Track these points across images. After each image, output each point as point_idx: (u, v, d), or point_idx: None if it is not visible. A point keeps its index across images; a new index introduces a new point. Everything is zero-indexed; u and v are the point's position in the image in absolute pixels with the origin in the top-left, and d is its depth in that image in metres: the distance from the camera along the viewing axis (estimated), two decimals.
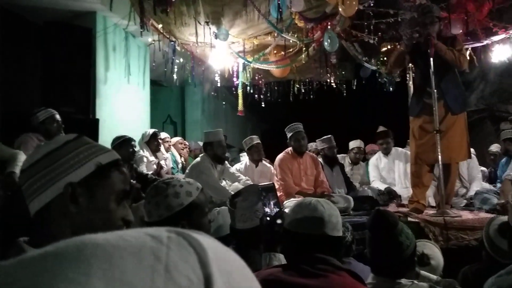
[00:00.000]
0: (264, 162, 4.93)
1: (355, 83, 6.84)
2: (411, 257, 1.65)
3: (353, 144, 5.48)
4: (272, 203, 1.64)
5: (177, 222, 1.40)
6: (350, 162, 5.44)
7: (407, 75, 6.03)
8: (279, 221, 1.65)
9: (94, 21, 4.81)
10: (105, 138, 4.34)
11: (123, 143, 4.09)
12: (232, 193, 3.78)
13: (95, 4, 4.67)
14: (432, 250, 2.20)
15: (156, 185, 1.49)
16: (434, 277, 2.01)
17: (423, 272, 1.99)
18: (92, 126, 4.25)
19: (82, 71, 4.46)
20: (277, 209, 1.63)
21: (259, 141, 4.77)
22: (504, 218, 2.22)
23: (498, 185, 4.57)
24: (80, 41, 4.47)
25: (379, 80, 6.58)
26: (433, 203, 4.18)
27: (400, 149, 5.06)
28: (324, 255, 1.35)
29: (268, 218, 1.76)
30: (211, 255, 0.29)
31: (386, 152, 5.02)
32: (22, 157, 2.97)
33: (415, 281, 1.61)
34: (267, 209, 1.61)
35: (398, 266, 1.62)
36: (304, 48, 5.32)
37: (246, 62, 5.62)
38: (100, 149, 0.95)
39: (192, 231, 0.31)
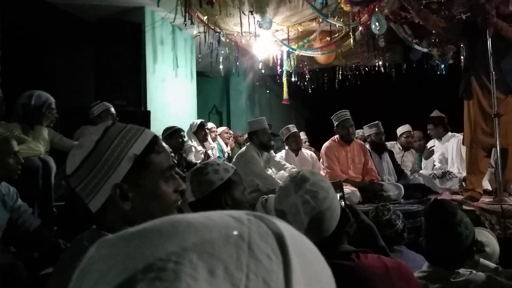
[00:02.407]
0: (303, 150, 4.92)
1: (405, 67, 6.57)
2: (470, 247, 1.59)
3: (402, 129, 5.29)
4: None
5: (220, 196, 1.50)
6: (400, 148, 5.26)
7: (461, 57, 5.71)
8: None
9: (142, 16, 4.97)
10: (156, 129, 4.51)
11: (173, 133, 4.24)
12: (279, 181, 3.83)
13: (143, 0, 4.84)
14: (487, 237, 2.11)
15: (196, 167, 1.60)
16: (493, 265, 1.93)
17: (482, 260, 1.92)
18: (144, 118, 4.42)
19: (132, 65, 4.64)
20: (342, 203, 1.56)
21: (296, 130, 4.76)
22: None
23: None
24: (130, 36, 4.64)
25: (431, 62, 6.29)
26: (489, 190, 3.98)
27: (454, 134, 4.84)
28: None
29: None
30: (288, 237, 0.32)
31: (439, 137, 4.83)
32: None
33: (474, 271, 1.56)
34: None
35: (456, 257, 1.57)
36: (350, 33, 5.18)
37: (290, 50, 5.58)
38: (131, 137, 0.92)
39: (268, 216, 0.34)
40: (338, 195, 1.52)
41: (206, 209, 0.34)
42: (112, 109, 3.65)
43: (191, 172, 1.61)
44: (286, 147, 4.87)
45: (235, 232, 0.31)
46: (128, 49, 4.63)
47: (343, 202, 1.60)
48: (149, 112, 4.60)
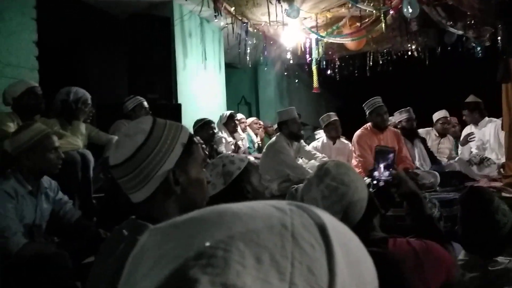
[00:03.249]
0: (341, 139, 4.85)
1: (439, 51, 6.33)
2: (509, 235, 1.54)
3: (438, 115, 5.12)
4: (381, 166, 1.53)
5: (240, 185, 1.55)
6: (436, 135, 5.10)
7: (498, 38, 5.44)
8: (386, 185, 1.52)
9: (171, 10, 5.03)
10: (187, 121, 4.59)
11: (203, 125, 4.30)
12: (310, 171, 3.82)
13: None
14: None
15: (212, 162, 1.66)
16: None
17: None
18: (175, 111, 4.50)
19: (163, 59, 4.72)
20: (388, 172, 1.50)
21: (336, 118, 4.70)
22: None
23: None
24: (160, 30, 4.71)
25: (466, 45, 6.02)
26: None
27: (492, 119, 4.65)
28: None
29: (374, 183, 1.61)
30: (329, 226, 0.33)
31: (475, 123, 4.66)
32: None
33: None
34: (375, 173, 1.52)
35: (493, 245, 1.53)
36: (381, 17, 5.03)
37: (319, 37, 5.49)
38: (176, 128, 1.01)
39: (309, 205, 0.35)
40: (381, 165, 1.44)
41: (228, 200, 0.36)
42: (145, 103, 3.74)
43: (209, 166, 1.66)
44: (324, 135, 4.82)
45: (279, 222, 0.31)
46: (158, 44, 4.71)
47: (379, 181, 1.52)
48: (180, 104, 4.68)
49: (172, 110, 4.50)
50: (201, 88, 5.54)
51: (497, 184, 3.76)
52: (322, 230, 0.32)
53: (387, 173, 1.54)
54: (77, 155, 2.82)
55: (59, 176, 2.46)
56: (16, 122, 2.72)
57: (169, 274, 0.29)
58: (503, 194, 3.31)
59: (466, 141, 4.75)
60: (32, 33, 3.58)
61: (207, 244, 0.30)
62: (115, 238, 1.60)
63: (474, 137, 4.67)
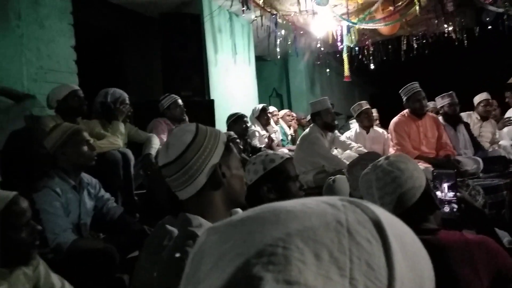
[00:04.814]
0: (375, 127, 4.74)
1: (477, 31, 6.04)
2: None
3: (479, 97, 4.88)
4: (445, 186, 1.53)
5: (263, 184, 1.62)
6: (478, 118, 4.88)
7: None
8: (454, 208, 1.53)
9: (200, 6, 5.07)
10: (220, 116, 4.64)
11: (237, 119, 4.33)
12: (345, 161, 3.77)
13: None
14: None
15: (253, 162, 1.73)
16: None
17: None
18: (208, 107, 4.56)
19: (195, 56, 4.77)
20: (453, 193, 1.51)
21: (368, 106, 4.59)
22: None
23: None
24: (191, 28, 4.77)
25: (508, 23, 5.71)
26: None
27: None
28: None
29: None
30: (384, 221, 0.33)
31: None
32: (155, 140, 3.36)
33: None
34: (438, 193, 1.52)
35: None
36: None
37: (350, 24, 5.38)
38: (216, 130, 1.13)
39: (361, 201, 0.35)
40: (445, 185, 1.45)
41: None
42: (180, 101, 3.81)
43: (248, 164, 1.75)
44: (357, 125, 4.74)
45: (333, 218, 0.32)
46: (190, 41, 4.77)
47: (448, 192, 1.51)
48: (212, 100, 4.73)
49: (205, 106, 4.56)
50: (232, 83, 5.58)
51: None
52: (377, 224, 0.32)
53: (451, 193, 1.53)
54: (118, 154, 2.92)
55: (102, 175, 2.56)
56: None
57: (232, 273, 0.30)
58: None
59: (504, 125, 4.53)
60: (70, 38, 3.72)
61: (266, 242, 0.30)
62: (159, 233, 1.66)
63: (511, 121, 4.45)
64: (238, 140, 3.73)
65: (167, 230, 1.60)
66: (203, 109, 4.47)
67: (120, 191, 2.86)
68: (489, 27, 5.81)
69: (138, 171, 3.11)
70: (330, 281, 0.29)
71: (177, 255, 0.97)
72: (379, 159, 1.37)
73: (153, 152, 3.21)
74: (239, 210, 1.17)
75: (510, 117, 4.51)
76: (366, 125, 4.56)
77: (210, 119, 4.42)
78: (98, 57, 4.91)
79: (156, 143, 3.31)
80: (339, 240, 0.31)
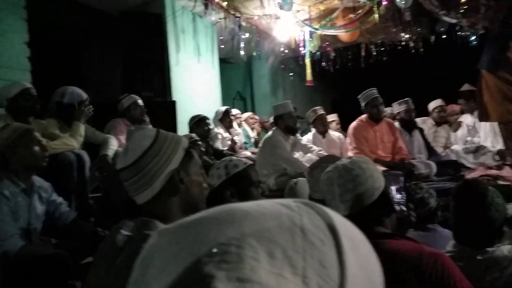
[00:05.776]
0: (331, 132, 4.86)
1: (433, 40, 6.32)
2: (499, 229, 1.54)
3: (434, 104, 5.13)
4: (393, 188, 1.58)
5: (226, 188, 1.68)
6: (433, 123, 5.12)
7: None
8: (404, 209, 1.60)
9: (163, 6, 4.99)
10: (182, 118, 4.57)
11: (199, 122, 4.29)
12: (307, 164, 3.82)
13: None
14: None
15: (217, 167, 1.80)
16: None
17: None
18: (170, 108, 4.49)
19: (156, 56, 4.69)
20: (400, 195, 1.57)
21: (322, 112, 4.72)
22: None
23: None
24: (153, 27, 4.68)
25: (460, 34, 6.02)
26: None
27: None
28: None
29: None
30: (337, 222, 0.34)
31: (471, 112, 4.67)
32: (113, 141, 3.26)
33: (500, 244, 1.52)
34: None
35: (484, 239, 1.53)
36: (374, 8, 5.02)
37: (312, 30, 5.48)
38: (177, 136, 1.15)
39: (315, 203, 0.36)
40: (393, 188, 1.50)
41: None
42: (140, 101, 3.72)
43: (212, 169, 1.81)
44: (313, 130, 4.83)
45: (288, 218, 0.32)
46: (151, 41, 4.68)
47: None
48: (174, 102, 4.66)
49: (167, 107, 4.49)
50: (195, 84, 5.52)
51: (493, 172, 3.78)
52: (330, 225, 0.33)
53: (399, 196, 1.60)
54: (72, 155, 2.81)
55: (54, 178, 2.45)
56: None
57: (183, 272, 0.29)
58: (498, 182, 3.33)
59: (457, 127, 4.78)
60: (23, 34, 3.55)
61: (220, 241, 0.30)
62: (114, 238, 1.61)
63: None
64: (200, 143, 3.69)
65: (123, 234, 1.56)
66: (164, 110, 4.40)
67: (74, 194, 2.75)
68: (444, 36, 6.10)
69: (94, 173, 3.00)
70: (283, 279, 0.29)
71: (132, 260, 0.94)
72: (341, 160, 1.42)
73: (110, 153, 3.10)
74: None
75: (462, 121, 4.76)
76: (321, 130, 4.68)
77: (171, 120, 4.35)
78: (55, 55, 4.71)
79: (113, 144, 3.20)
80: (293, 240, 0.31)
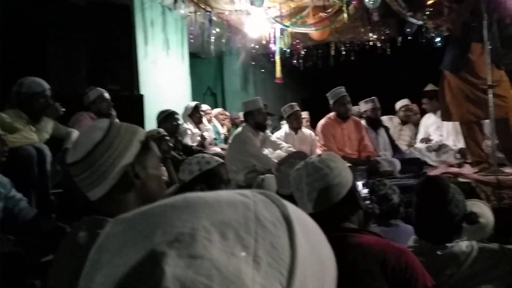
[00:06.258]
0: (303, 129, 4.91)
1: (400, 41, 6.49)
2: (459, 225, 1.61)
3: (400, 103, 5.29)
4: (360, 183, 1.64)
5: (196, 184, 1.72)
6: (399, 122, 5.27)
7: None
8: (368, 203, 1.65)
9: None
10: (150, 113, 4.49)
11: (167, 117, 4.22)
12: (275, 160, 3.85)
13: None
14: (481, 209, 2.13)
15: (189, 162, 1.84)
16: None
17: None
18: (137, 102, 4.39)
19: (124, 49, 4.57)
20: (367, 191, 1.62)
21: (298, 109, 4.75)
22: None
23: None
24: (120, 19, 4.55)
25: (426, 35, 6.21)
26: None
27: None
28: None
29: None
30: (290, 209, 0.36)
31: (434, 111, 4.84)
32: (75, 135, 3.15)
33: (459, 241, 1.58)
34: None
35: (444, 234, 1.59)
36: (344, 7, 5.09)
37: (283, 27, 5.50)
38: (133, 128, 1.07)
39: (271, 193, 0.38)
40: (359, 183, 1.56)
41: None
42: (106, 95, 3.62)
43: (183, 164, 1.86)
44: (286, 126, 4.86)
45: (242, 204, 0.34)
46: (119, 32, 4.55)
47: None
48: (142, 96, 4.56)
49: (134, 101, 4.39)
50: (164, 78, 5.42)
51: (454, 169, 3.93)
52: (283, 211, 0.35)
53: (365, 191, 1.66)
54: (33, 149, 2.69)
55: (13, 172, 2.35)
56: None
57: (135, 254, 0.31)
58: (459, 179, 3.46)
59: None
60: None
61: (173, 223, 0.32)
62: (75, 235, 1.56)
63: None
64: (168, 138, 3.63)
65: (84, 231, 1.52)
66: (131, 104, 4.30)
67: (35, 190, 2.64)
68: (410, 38, 6.27)
69: (55, 168, 2.90)
70: (234, 257, 0.30)
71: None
72: (311, 157, 1.44)
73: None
74: None
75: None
76: (295, 127, 4.71)
77: (139, 115, 4.26)
78: (18, 46, 4.49)
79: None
80: (246, 223, 0.33)
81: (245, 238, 0.32)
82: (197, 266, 0.29)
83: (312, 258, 0.35)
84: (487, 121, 3.62)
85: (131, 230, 0.33)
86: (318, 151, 4.24)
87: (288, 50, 6.25)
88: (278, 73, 5.87)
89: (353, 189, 1.41)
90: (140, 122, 4.25)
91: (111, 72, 4.44)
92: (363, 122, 4.53)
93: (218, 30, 5.75)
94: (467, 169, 3.83)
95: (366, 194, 1.69)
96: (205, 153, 2.78)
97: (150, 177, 1.06)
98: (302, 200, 1.36)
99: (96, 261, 0.33)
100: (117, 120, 1.14)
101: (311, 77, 8.81)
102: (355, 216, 1.41)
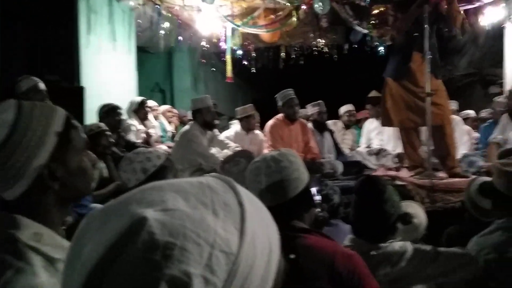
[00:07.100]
0: (255, 130, 4.92)
1: (346, 47, 6.71)
2: (393, 225, 1.67)
3: (344, 108, 5.48)
4: (314, 190, 1.65)
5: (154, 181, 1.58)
6: (342, 126, 5.45)
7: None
8: (319, 209, 1.67)
9: None
10: (91, 106, 4.26)
11: (109, 111, 4.03)
12: (222, 159, 3.81)
13: None
14: (416, 210, 2.25)
15: (128, 156, 1.77)
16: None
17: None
18: (77, 95, 4.14)
19: (65, 38, 4.31)
20: (319, 197, 1.63)
21: (254, 112, 4.75)
22: (486, 178, 2.25)
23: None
24: (61, 5, 4.29)
25: (370, 44, 6.47)
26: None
27: None
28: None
29: None
30: (242, 192, 0.45)
31: (377, 117, 5.05)
32: None
33: (393, 240, 1.64)
34: None
35: (379, 232, 1.64)
36: (294, 11, 5.18)
37: (234, 26, 5.48)
38: (48, 115, 0.89)
39: (222, 175, 0.48)
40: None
41: None
42: (42, 85, 3.38)
43: (124, 161, 1.76)
44: (237, 125, 4.83)
45: (197, 180, 0.45)
46: (59, 20, 4.29)
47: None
48: (82, 88, 4.31)
49: (74, 93, 4.14)
50: (109, 71, 5.18)
51: (392, 173, 4.12)
52: (233, 187, 0.45)
53: (318, 197, 1.70)
54: None
55: None
56: None
57: (118, 223, 0.39)
58: (396, 182, 3.63)
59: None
60: None
61: (146, 197, 0.41)
62: None
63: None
64: (108, 133, 3.47)
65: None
66: (71, 96, 4.05)
67: None
68: (355, 45, 6.51)
69: None
70: (198, 210, 0.41)
71: None
72: (270, 152, 1.49)
73: None
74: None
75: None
76: (250, 128, 4.70)
77: (79, 108, 4.02)
78: None
79: None
80: (203, 191, 0.43)
81: (203, 199, 0.42)
82: (171, 215, 0.39)
83: (257, 216, 0.45)
84: (424, 127, 3.83)
85: (108, 210, 0.42)
86: (266, 151, 4.25)
87: (239, 51, 6.24)
88: (229, 72, 5.85)
89: (309, 187, 1.43)
90: (80, 115, 4.01)
91: (51, 62, 4.16)
92: (309, 125, 4.62)
93: (168, 24, 5.60)
94: (404, 173, 4.03)
95: (318, 200, 1.73)
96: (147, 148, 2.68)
97: (72, 173, 0.91)
98: (259, 192, 1.35)
99: (80, 238, 0.41)
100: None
101: (262, 78, 8.87)
102: (308, 215, 1.43)
